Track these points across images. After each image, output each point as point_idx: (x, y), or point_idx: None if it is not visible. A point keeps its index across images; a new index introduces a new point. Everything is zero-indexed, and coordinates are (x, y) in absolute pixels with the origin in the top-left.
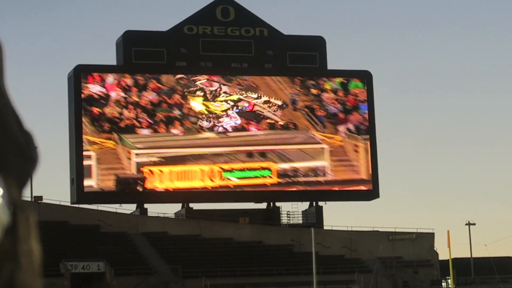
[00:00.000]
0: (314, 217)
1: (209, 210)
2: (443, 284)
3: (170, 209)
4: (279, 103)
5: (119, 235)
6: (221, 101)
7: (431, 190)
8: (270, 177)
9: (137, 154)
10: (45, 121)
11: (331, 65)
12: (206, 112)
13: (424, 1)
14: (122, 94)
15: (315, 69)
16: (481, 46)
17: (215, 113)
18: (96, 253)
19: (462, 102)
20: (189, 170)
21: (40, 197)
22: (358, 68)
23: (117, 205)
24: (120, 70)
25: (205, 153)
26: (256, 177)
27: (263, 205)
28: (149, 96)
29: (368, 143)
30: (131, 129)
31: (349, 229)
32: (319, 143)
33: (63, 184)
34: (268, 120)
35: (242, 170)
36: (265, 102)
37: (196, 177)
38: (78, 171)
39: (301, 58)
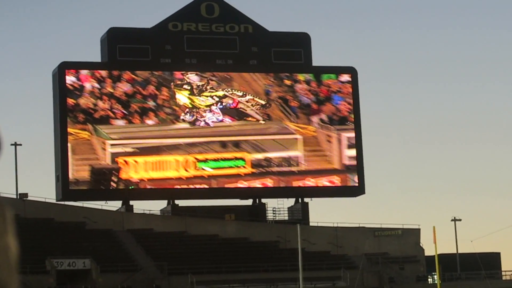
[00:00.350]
0: (300, 214)
1: (195, 206)
2: (429, 280)
3: (155, 206)
4: (263, 102)
5: (105, 232)
6: (207, 96)
7: (417, 186)
8: (244, 167)
9: (112, 145)
10: (30, 118)
11: (316, 61)
12: (190, 106)
13: None
14: (96, 85)
15: (300, 66)
16: (468, 41)
17: (199, 108)
18: (81, 250)
19: (449, 98)
20: (164, 161)
21: (26, 194)
22: (343, 64)
23: (102, 202)
24: (105, 67)
25: (179, 143)
26: (230, 167)
27: (249, 202)
28: (124, 87)
29: (354, 139)
30: (105, 120)
31: (335, 225)
32: (292, 133)
33: (48, 182)
34: (250, 118)
35: (216, 160)
36: (249, 100)
37: (171, 167)
38: (63, 169)
39: (286, 54)
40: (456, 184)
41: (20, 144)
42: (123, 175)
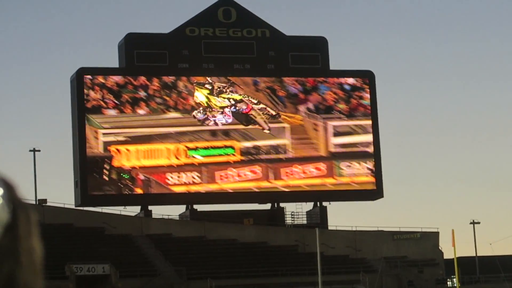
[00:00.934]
0: (319, 217)
1: (213, 211)
2: (448, 283)
3: (174, 211)
4: (273, 113)
5: (124, 237)
6: (224, 98)
7: (436, 189)
8: (234, 155)
9: (104, 134)
10: (49, 124)
11: (334, 65)
12: (205, 105)
13: (426, 0)
14: (89, 76)
15: (317, 70)
16: (484, 44)
17: (213, 108)
18: (101, 255)
19: (466, 100)
20: (155, 149)
21: (45, 200)
22: (361, 68)
23: (121, 208)
24: (123, 73)
25: (170, 132)
26: (220, 155)
27: (267, 206)
28: (115, 77)
29: (372, 142)
30: (97, 110)
31: (354, 229)
32: (280, 122)
33: (67, 187)
34: (257, 126)
35: (206, 148)
36: (261, 109)
37: (162, 155)
38: (82, 174)
39: (304, 58)
40: (475, 187)
41: (39, 150)
42: (115, 163)
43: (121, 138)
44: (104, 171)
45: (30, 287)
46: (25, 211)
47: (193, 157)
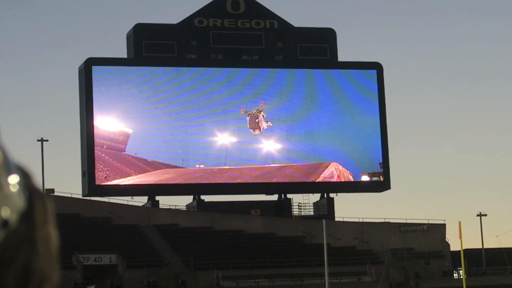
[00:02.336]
0: (326, 209)
1: (221, 202)
2: (454, 275)
3: (181, 201)
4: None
5: (131, 227)
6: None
7: (442, 182)
8: None
9: None
10: (56, 114)
11: (342, 57)
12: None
13: None
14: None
15: (325, 61)
16: (494, 36)
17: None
18: (108, 245)
19: (474, 92)
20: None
21: (52, 190)
22: (369, 60)
23: (128, 198)
24: (131, 63)
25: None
26: None
27: (274, 197)
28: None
29: (379, 134)
30: None
31: (361, 220)
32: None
33: (75, 177)
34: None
35: None
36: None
37: None
38: (90, 164)
39: (312, 50)
40: (481, 179)
41: (47, 140)
42: None
43: None
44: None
45: (46, 276)
46: (41, 199)
47: None
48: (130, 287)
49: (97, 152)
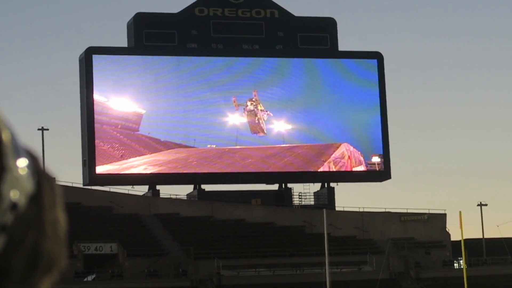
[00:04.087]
0: (326, 198)
1: (221, 191)
2: (455, 264)
3: (182, 191)
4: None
5: (132, 216)
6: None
7: (443, 171)
8: None
9: None
10: (57, 103)
11: (342, 46)
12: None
13: None
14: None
15: (326, 51)
16: (496, 29)
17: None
18: (108, 234)
19: (474, 83)
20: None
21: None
22: (370, 50)
23: (129, 187)
24: (131, 52)
25: None
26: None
27: (275, 187)
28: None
29: (380, 124)
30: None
31: (361, 210)
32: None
33: (75, 166)
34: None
35: None
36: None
37: None
38: (90, 153)
39: (312, 39)
40: (482, 169)
41: (47, 129)
42: None
43: None
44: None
45: (55, 258)
46: (49, 182)
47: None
48: (130, 276)
49: (112, 131)
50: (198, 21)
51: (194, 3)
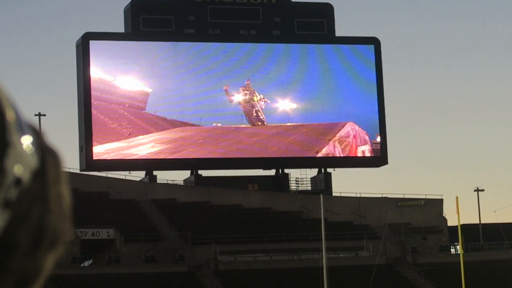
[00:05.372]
0: (323, 184)
1: (218, 177)
2: (451, 250)
3: (179, 176)
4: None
5: (128, 202)
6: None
7: (440, 157)
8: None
9: None
10: (54, 89)
11: (339, 32)
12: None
13: None
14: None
15: (323, 36)
16: (497, 14)
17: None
18: (105, 220)
19: (471, 69)
20: None
21: None
22: (367, 35)
23: (126, 172)
24: (128, 38)
25: None
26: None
27: (272, 172)
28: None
29: (377, 110)
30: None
31: (358, 195)
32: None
33: (72, 152)
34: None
35: None
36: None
37: None
38: (87, 139)
39: (309, 25)
40: (479, 154)
41: (44, 115)
42: None
43: None
44: None
45: (59, 233)
46: (53, 157)
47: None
48: (127, 261)
49: (120, 110)
50: (195, 6)
51: None
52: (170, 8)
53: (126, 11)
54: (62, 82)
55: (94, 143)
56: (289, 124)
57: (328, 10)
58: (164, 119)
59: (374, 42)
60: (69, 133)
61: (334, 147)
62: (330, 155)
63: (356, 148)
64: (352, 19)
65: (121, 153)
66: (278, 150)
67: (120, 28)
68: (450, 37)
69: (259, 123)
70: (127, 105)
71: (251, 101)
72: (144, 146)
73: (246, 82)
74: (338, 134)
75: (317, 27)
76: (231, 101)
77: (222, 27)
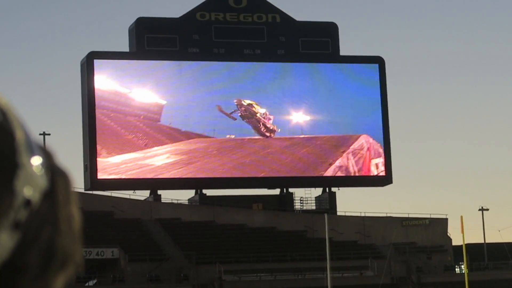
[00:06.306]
0: (327, 203)
1: (223, 196)
2: (456, 269)
3: (183, 196)
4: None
5: (133, 221)
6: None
7: (444, 176)
8: None
9: None
10: (59, 108)
11: (344, 51)
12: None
13: None
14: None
15: (327, 55)
16: (498, 29)
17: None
18: (110, 239)
19: (475, 88)
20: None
21: None
22: (371, 54)
23: (130, 192)
24: (133, 57)
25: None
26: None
27: (276, 191)
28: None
29: (381, 129)
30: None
31: (363, 214)
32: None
33: (77, 171)
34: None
35: None
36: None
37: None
38: (92, 158)
39: (314, 44)
40: (483, 174)
41: (49, 134)
42: None
43: None
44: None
45: (69, 254)
46: (63, 178)
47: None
48: (132, 281)
49: (136, 122)
50: (200, 25)
51: (195, 7)
52: (175, 27)
53: (130, 30)
54: (67, 101)
55: (112, 153)
56: (302, 136)
57: (332, 30)
58: (179, 131)
59: (378, 61)
60: (73, 152)
61: (348, 159)
62: (344, 167)
63: (370, 161)
64: (357, 38)
65: (138, 163)
66: (285, 167)
67: (125, 47)
68: (454, 56)
69: (271, 134)
70: (142, 117)
71: (254, 116)
72: (160, 157)
73: (234, 101)
74: (352, 147)
75: (322, 46)
76: (234, 119)
77: (226, 46)
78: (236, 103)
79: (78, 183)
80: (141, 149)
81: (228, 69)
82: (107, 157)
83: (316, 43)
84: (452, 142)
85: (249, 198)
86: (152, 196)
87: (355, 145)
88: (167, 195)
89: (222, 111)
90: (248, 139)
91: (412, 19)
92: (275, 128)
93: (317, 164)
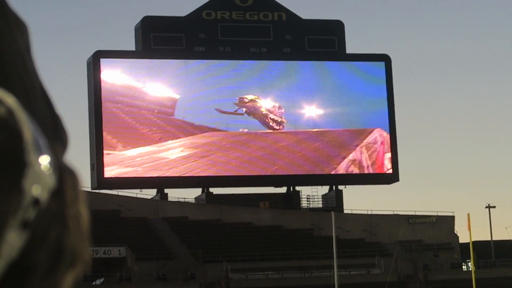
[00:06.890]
0: (334, 201)
1: (229, 194)
2: (463, 267)
3: (190, 194)
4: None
5: (140, 220)
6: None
7: (451, 173)
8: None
9: None
10: (65, 107)
11: (350, 49)
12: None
13: None
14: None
15: (333, 53)
16: (505, 28)
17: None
18: (117, 238)
19: (482, 86)
20: None
21: None
22: (377, 52)
23: (137, 190)
24: (139, 56)
25: None
26: None
27: (283, 189)
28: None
29: (388, 128)
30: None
31: (369, 212)
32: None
33: (83, 170)
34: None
35: None
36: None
37: None
38: (98, 157)
39: (320, 42)
40: (490, 171)
41: None
42: None
43: None
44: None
45: (78, 253)
46: (71, 177)
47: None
48: (139, 279)
49: (150, 116)
50: (206, 24)
51: (201, 6)
52: (181, 26)
53: (137, 29)
54: (74, 100)
55: (127, 146)
56: (316, 129)
57: (338, 28)
58: (192, 125)
59: (385, 59)
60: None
61: (361, 153)
62: (357, 161)
63: (384, 155)
64: (363, 36)
65: (153, 156)
66: (293, 164)
67: (131, 46)
68: (461, 54)
69: (280, 127)
70: (156, 111)
71: (259, 111)
72: (174, 151)
73: (236, 100)
74: (366, 140)
75: (328, 44)
76: (241, 114)
77: (232, 44)
78: (237, 101)
79: (85, 182)
80: (156, 142)
81: (234, 68)
82: (123, 150)
83: (322, 41)
84: (459, 140)
85: (256, 196)
86: (158, 194)
87: (369, 138)
88: (174, 194)
89: (224, 112)
90: (261, 132)
91: (418, 17)
92: (283, 119)
93: (328, 159)
